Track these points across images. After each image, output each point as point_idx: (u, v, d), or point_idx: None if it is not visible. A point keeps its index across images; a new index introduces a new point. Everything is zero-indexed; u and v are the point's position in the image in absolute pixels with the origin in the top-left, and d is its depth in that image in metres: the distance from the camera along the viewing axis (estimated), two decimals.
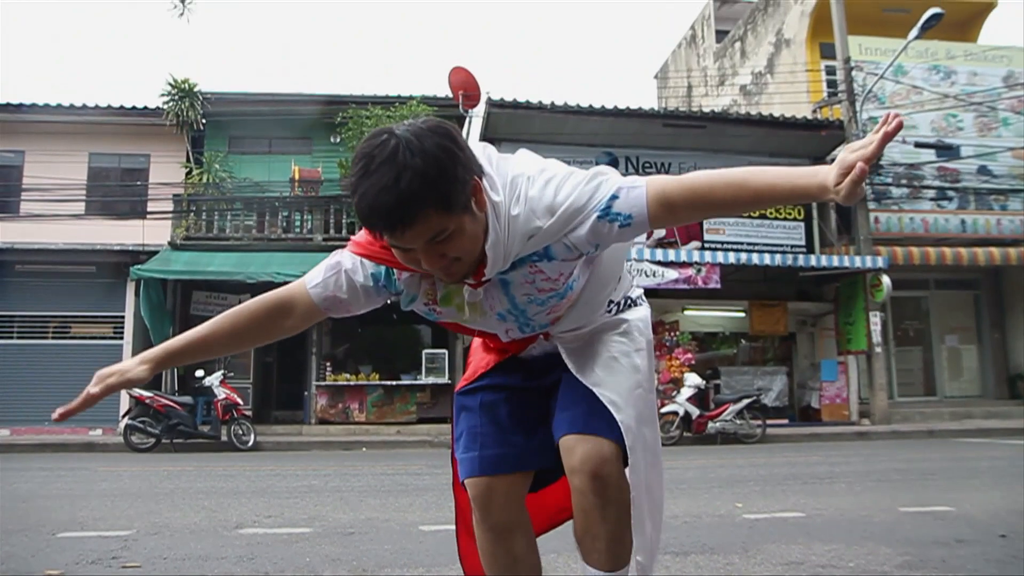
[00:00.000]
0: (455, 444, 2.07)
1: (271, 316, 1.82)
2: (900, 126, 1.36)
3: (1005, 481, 6.90)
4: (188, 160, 16.62)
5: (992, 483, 6.80)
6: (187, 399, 13.04)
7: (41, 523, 5.05)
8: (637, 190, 1.60)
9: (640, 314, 2.05)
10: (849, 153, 1.42)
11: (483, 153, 1.67)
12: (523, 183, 1.64)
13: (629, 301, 2.05)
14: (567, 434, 1.82)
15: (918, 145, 17.13)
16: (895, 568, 3.48)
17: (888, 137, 1.37)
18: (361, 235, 1.75)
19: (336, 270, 1.77)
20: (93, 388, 1.81)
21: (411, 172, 1.41)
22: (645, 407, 1.88)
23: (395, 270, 1.72)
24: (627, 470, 1.80)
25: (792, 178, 1.53)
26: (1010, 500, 5.56)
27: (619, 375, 1.87)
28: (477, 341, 2.13)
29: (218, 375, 13.09)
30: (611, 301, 1.99)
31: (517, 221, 1.60)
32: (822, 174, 1.46)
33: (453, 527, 2.11)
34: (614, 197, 1.60)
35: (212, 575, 3.51)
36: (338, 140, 16.64)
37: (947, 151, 17.48)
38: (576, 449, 1.77)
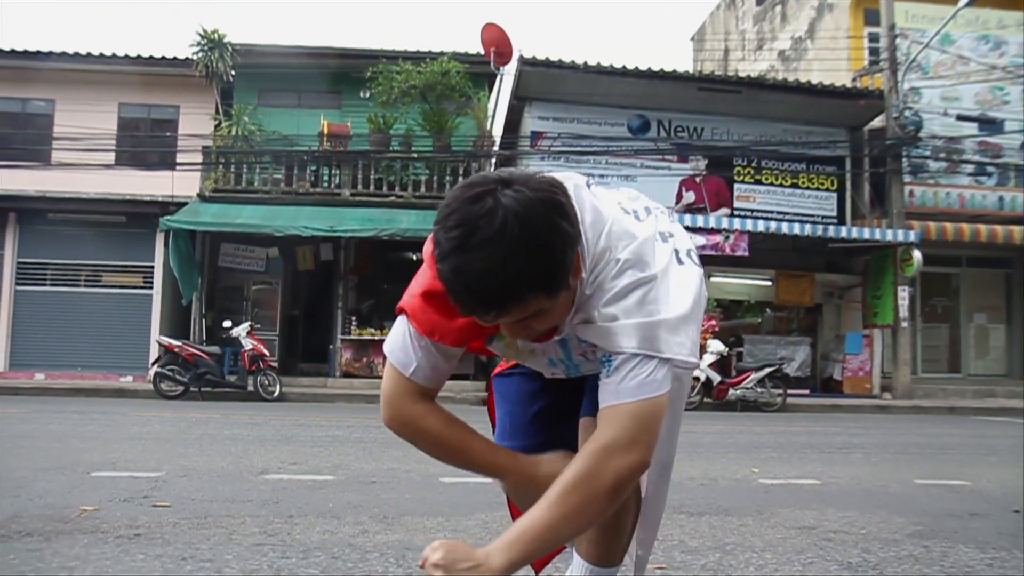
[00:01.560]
0: (494, 428, 2.04)
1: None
2: None
3: (1023, 459, 6.90)
4: (217, 112, 16.68)
5: (1010, 460, 6.80)
6: (215, 349, 13.27)
7: (76, 462, 5.22)
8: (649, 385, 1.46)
9: None
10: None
11: (573, 193, 1.44)
12: (607, 264, 1.48)
13: None
14: (588, 415, 1.76)
15: (960, 118, 16.80)
16: (907, 537, 3.53)
17: None
18: (418, 307, 1.57)
19: (420, 357, 1.61)
20: None
21: (520, 257, 1.25)
22: (671, 420, 1.74)
23: None
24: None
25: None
26: None
27: None
28: None
29: (245, 326, 13.30)
30: None
31: (586, 304, 1.49)
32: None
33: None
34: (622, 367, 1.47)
35: (238, 516, 3.63)
36: (368, 95, 16.61)
37: (990, 125, 17.12)
38: (589, 432, 1.66)
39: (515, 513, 2.09)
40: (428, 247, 1.44)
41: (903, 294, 15.40)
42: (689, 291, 1.53)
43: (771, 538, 3.44)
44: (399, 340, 1.60)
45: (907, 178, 16.36)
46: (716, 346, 13.25)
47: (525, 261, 1.25)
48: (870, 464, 6.23)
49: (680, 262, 1.57)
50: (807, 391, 15.34)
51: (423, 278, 1.56)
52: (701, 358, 12.93)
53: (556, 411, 1.94)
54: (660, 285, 1.48)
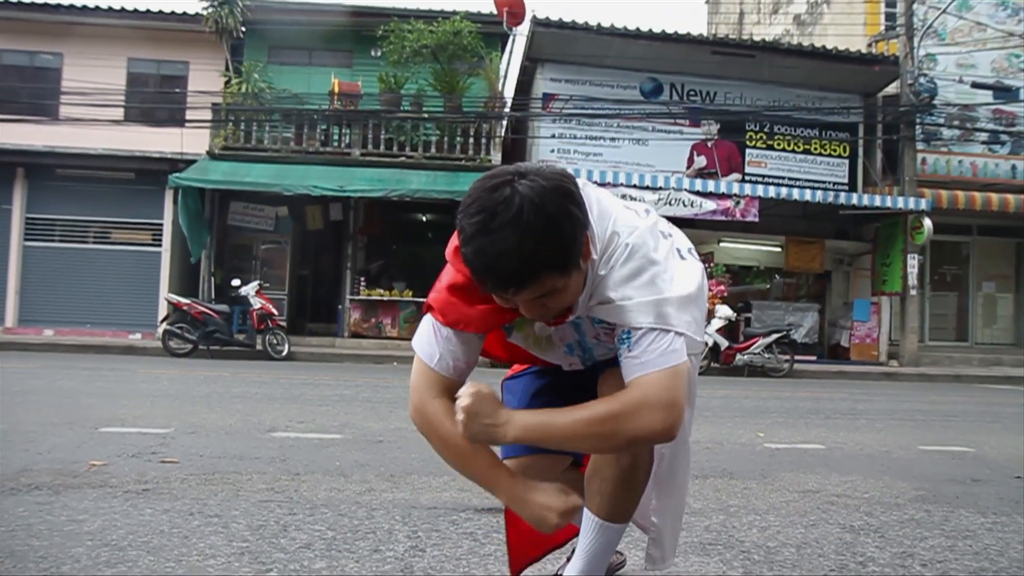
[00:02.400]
0: None
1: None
2: None
3: None
4: (227, 69, 16.55)
5: (1013, 428, 6.81)
6: (223, 307, 13.32)
7: (84, 418, 5.27)
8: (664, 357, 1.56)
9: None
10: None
11: (582, 188, 1.60)
12: (616, 248, 1.61)
13: None
14: (611, 369, 1.78)
15: (975, 85, 16.56)
16: (909, 501, 3.55)
17: None
18: (442, 296, 1.68)
19: (439, 341, 1.71)
20: None
21: (535, 239, 1.40)
22: (689, 392, 1.85)
23: None
24: None
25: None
26: None
27: None
28: None
29: (254, 285, 13.33)
30: None
31: (601, 284, 1.61)
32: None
33: None
34: (637, 343, 1.57)
35: (246, 473, 3.67)
36: (379, 54, 16.47)
37: (1005, 93, 16.89)
38: (613, 382, 1.72)
39: (509, 516, 2.11)
40: (451, 245, 1.63)
41: (912, 262, 15.34)
42: (693, 278, 1.67)
43: (775, 501, 3.46)
44: (425, 334, 1.73)
45: (920, 146, 16.20)
46: (724, 311, 13.25)
47: (539, 242, 1.40)
48: (875, 430, 6.24)
49: (682, 257, 1.72)
50: (814, 357, 15.35)
51: (447, 275, 1.70)
52: (709, 323, 12.92)
53: (561, 401, 1.95)
54: (666, 270, 1.62)
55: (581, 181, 1.61)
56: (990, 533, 3.01)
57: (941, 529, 3.05)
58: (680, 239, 1.78)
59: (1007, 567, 2.56)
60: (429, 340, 1.72)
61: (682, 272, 1.66)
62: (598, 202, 1.65)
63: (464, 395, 1.58)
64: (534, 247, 1.40)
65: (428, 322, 1.73)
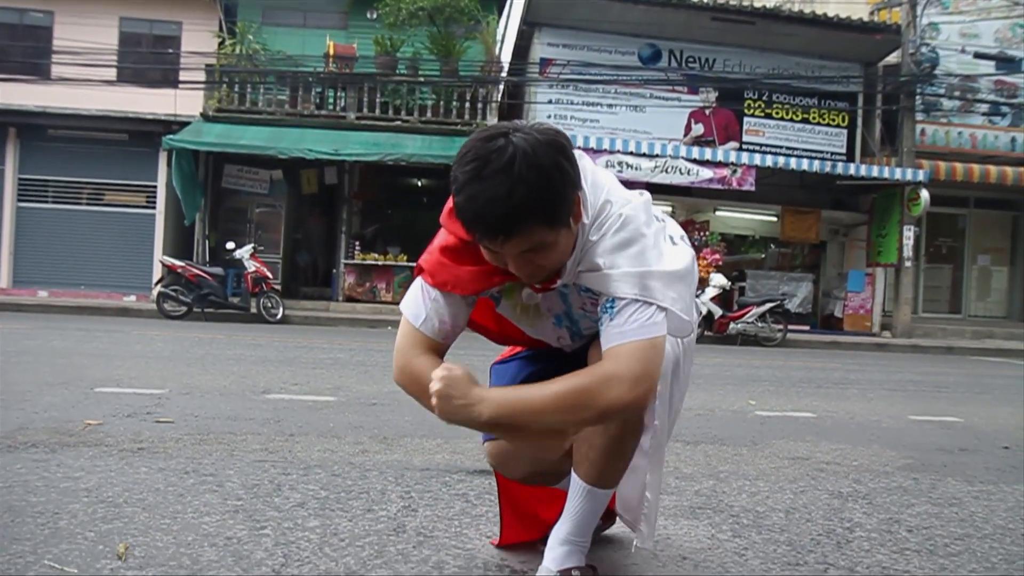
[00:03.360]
0: None
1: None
2: None
3: (1016, 398, 6.96)
4: (221, 30, 16.38)
5: (1003, 399, 6.87)
6: (218, 270, 13.30)
7: (79, 378, 5.28)
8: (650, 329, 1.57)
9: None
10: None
11: (579, 158, 1.63)
12: (609, 216, 1.62)
13: None
14: (592, 344, 1.79)
15: (977, 56, 16.47)
16: (897, 469, 3.59)
17: None
18: (433, 259, 1.71)
19: (430, 310, 1.73)
20: None
21: (525, 187, 1.42)
22: (680, 356, 1.86)
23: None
24: None
25: None
26: (1018, 416, 5.64)
27: None
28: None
29: (248, 248, 13.31)
30: None
31: (590, 250, 1.61)
32: None
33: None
34: (616, 309, 1.59)
35: (240, 433, 3.69)
36: (375, 16, 16.31)
37: (1008, 64, 16.79)
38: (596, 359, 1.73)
39: (500, 479, 2.13)
40: (446, 209, 1.65)
41: (908, 233, 15.36)
42: (682, 259, 1.68)
43: (764, 467, 3.50)
44: (413, 296, 1.76)
45: (919, 116, 16.15)
46: (719, 280, 13.28)
47: (529, 191, 1.42)
48: (865, 400, 6.29)
49: (674, 243, 1.74)
50: (807, 327, 15.43)
51: (439, 237, 1.72)
52: (703, 291, 12.96)
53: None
54: (655, 246, 1.64)
55: (577, 152, 1.61)
56: (976, 501, 3.05)
57: (928, 497, 3.09)
58: (672, 227, 1.80)
59: (991, 534, 2.60)
60: (416, 301, 1.74)
61: (671, 251, 1.68)
62: (593, 172, 1.66)
63: (436, 378, 1.57)
64: (524, 196, 1.42)
65: (417, 284, 1.76)
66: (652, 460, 1.88)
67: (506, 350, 2.13)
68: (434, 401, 1.57)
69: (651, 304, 1.57)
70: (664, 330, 1.58)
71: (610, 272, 1.59)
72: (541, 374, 1.97)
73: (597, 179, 1.66)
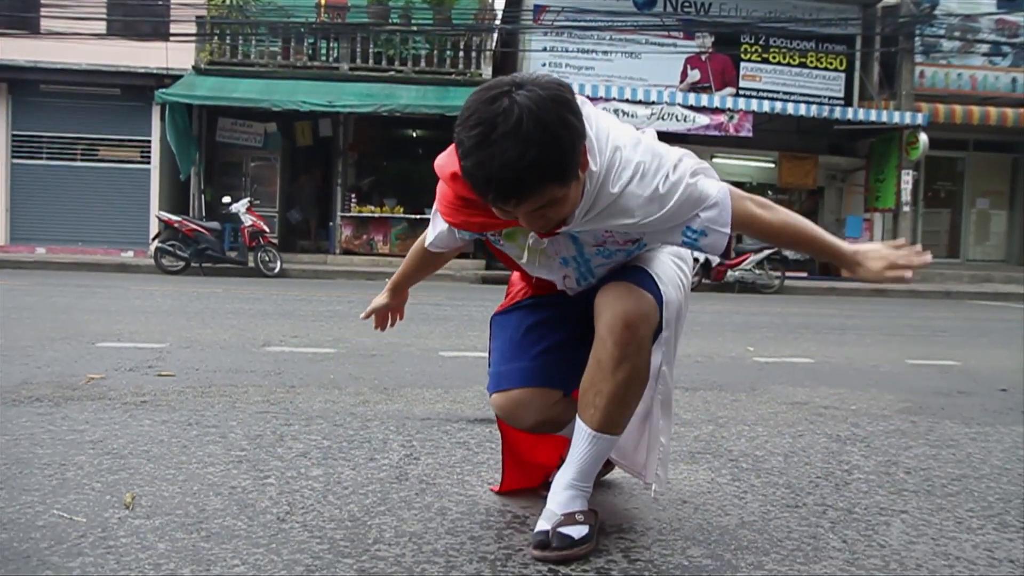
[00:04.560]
0: (491, 365, 2.08)
1: (433, 260, 2.14)
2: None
3: (1014, 341, 7.01)
4: None
5: (1000, 342, 6.92)
6: (214, 225, 13.26)
7: (81, 333, 5.30)
8: (722, 236, 1.70)
9: None
10: (892, 250, 1.76)
11: (582, 105, 1.62)
12: (621, 162, 1.62)
13: None
14: (608, 282, 1.80)
15: None
16: (895, 412, 3.62)
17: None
18: (447, 198, 1.76)
19: (441, 229, 1.89)
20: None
21: (535, 150, 1.39)
22: (682, 306, 1.90)
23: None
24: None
25: (834, 242, 1.82)
26: (1015, 358, 5.68)
27: (665, 267, 1.87)
28: (516, 275, 2.12)
29: (244, 202, 13.25)
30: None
31: (612, 202, 1.61)
32: (860, 256, 1.78)
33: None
34: (703, 234, 1.69)
35: (241, 386, 3.71)
36: None
37: (1010, 2, 16.55)
38: (614, 294, 1.76)
39: (502, 428, 2.16)
40: (445, 170, 1.68)
41: (907, 178, 15.30)
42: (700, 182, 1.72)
43: (763, 412, 3.53)
44: (431, 228, 1.95)
45: (918, 58, 15.98)
46: None
47: (539, 152, 1.40)
48: (863, 345, 6.33)
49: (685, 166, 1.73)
50: (805, 274, 15.45)
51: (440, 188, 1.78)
52: None
53: (556, 337, 1.98)
54: (676, 166, 1.67)
55: (579, 98, 1.59)
56: (973, 442, 3.08)
57: (926, 439, 3.12)
58: (686, 157, 1.80)
59: (988, 474, 2.63)
60: (432, 233, 1.95)
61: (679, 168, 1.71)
62: (596, 119, 1.64)
63: None
64: (535, 157, 1.40)
65: (435, 220, 1.91)
66: (664, 406, 1.91)
67: (505, 300, 2.13)
68: None
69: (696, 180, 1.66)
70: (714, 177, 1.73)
71: (652, 216, 1.63)
72: (544, 324, 1.98)
73: (600, 124, 1.64)
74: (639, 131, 1.74)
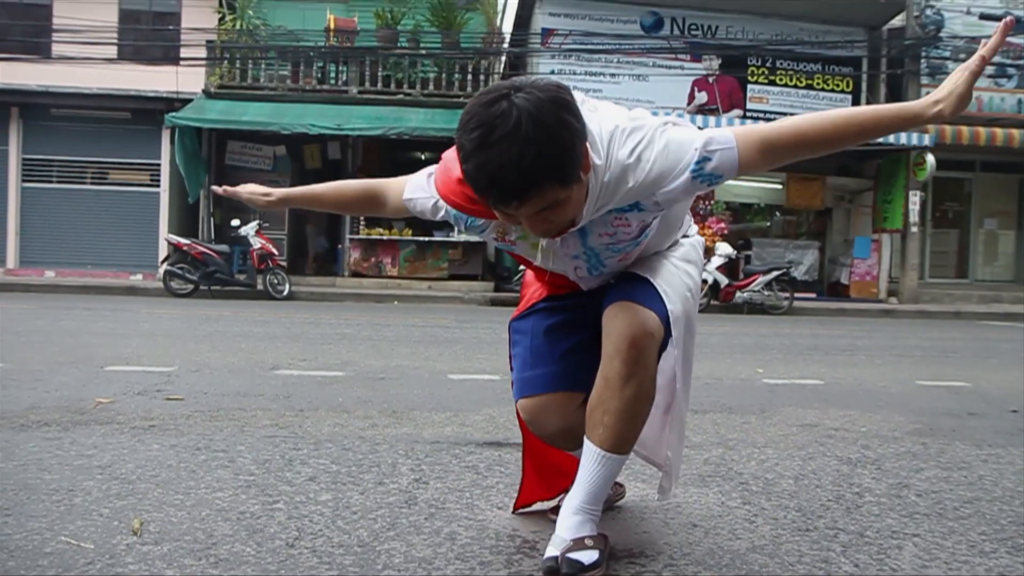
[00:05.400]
0: (513, 371, 2.08)
1: (368, 199, 2.10)
2: (1012, 24, 1.53)
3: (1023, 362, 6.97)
4: (221, 5, 16.27)
5: (1010, 363, 6.87)
6: (223, 247, 13.31)
7: (89, 357, 5.31)
8: (729, 151, 1.61)
9: (694, 240, 2.09)
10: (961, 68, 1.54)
11: (584, 106, 1.64)
12: (616, 142, 1.62)
13: (685, 235, 2.09)
14: (614, 302, 1.82)
15: (983, 17, 16.25)
16: (906, 434, 3.60)
17: (1007, 31, 1.53)
18: (448, 179, 1.74)
19: (427, 196, 1.86)
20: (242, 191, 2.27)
21: (535, 150, 1.40)
22: (691, 314, 1.92)
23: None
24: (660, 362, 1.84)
25: (894, 106, 1.62)
26: None
27: (672, 276, 1.89)
28: (530, 274, 2.13)
29: (253, 225, 13.30)
30: (675, 241, 2.03)
31: (609, 183, 1.61)
32: (922, 99, 1.58)
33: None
34: (707, 159, 1.61)
35: (250, 410, 3.71)
36: None
37: (1014, 24, 16.57)
38: (620, 314, 1.77)
39: (529, 454, 2.18)
40: (447, 177, 1.72)
41: (914, 198, 15.28)
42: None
43: (773, 435, 3.51)
44: (416, 180, 1.92)
45: (924, 80, 15.96)
46: (724, 249, 13.25)
47: (539, 153, 1.40)
48: (873, 366, 6.30)
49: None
50: (814, 295, 15.41)
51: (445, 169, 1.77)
52: (709, 260, 12.93)
53: (574, 339, 1.99)
54: (660, 127, 1.65)
55: (580, 96, 1.62)
56: (985, 464, 3.06)
57: (937, 461, 3.10)
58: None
59: (1001, 496, 2.61)
60: (415, 186, 1.91)
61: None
62: (594, 117, 1.64)
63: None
64: (534, 158, 1.40)
65: (426, 180, 1.88)
66: (674, 417, 1.95)
67: (521, 304, 2.13)
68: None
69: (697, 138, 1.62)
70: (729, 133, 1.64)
71: (650, 174, 1.60)
72: (561, 326, 2.00)
73: (603, 115, 1.66)
74: (627, 109, 1.75)
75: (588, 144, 1.56)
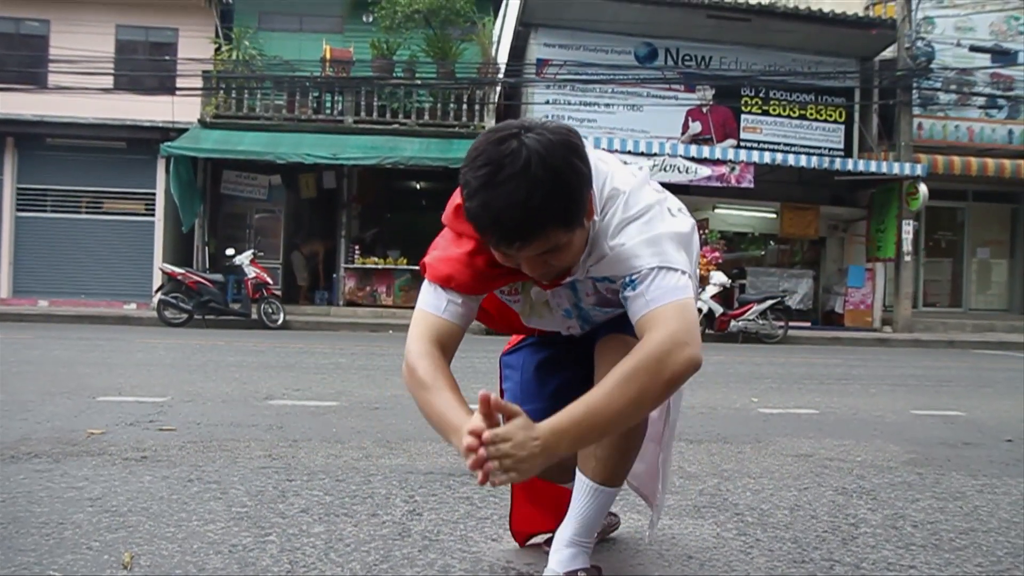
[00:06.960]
0: None
1: (449, 354, 1.72)
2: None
3: (1018, 391, 6.96)
4: (217, 36, 16.39)
5: (1005, 392, 6.87)
6: (218, 277, 13.30)
7: (82, 387, 5.28)
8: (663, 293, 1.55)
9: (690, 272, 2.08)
10: (487, 446, 1.42)
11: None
12: (614, 204, 1.61)
13: None
14: (607, 334, 1.81)
15: (973, 49, 16.46)
16: (901, 464, 3.59)
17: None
18: (441, 260, 1.66)
19: (437, 297, 1.69)
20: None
21: (542, 192, 1.38)
22: None
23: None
24: None
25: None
26: (1020, 409, 5.63)
27: None
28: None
29: (248, 254, 13.32)
30: None
31: (599, 235, 1.61)
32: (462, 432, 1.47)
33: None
34: (645, 280, 1.56)
35: (243, 440, 3.69)
36: (371, 20, 16.33)
37: (1004, 56, 16.77)
38: (613, 346, 1.76)
39: (518, 491, 2.16)
40: (450, 208, 1.65)
41: (907, 228, 15.36)
42: (685, 225, 1.67)
43: (768, 465, 3.50)
44: (426, 291, 1.69)
45: (916, 110, 16.13)
46: (719, 278, 13.28)
47: (546, 195, 1.39)
48: (868, 395, 6.29)
49: (673, 215, 1.67)
50: (808, 324, 15.43)
51: (445, 240, 1.71)
52: (704, 289, 12.95)
53: (564, 375, 2.00)
54: (660, 213, 1.63)
55: (594, 155, 1.60)
56: (980, 495, 3.05)
57: (932, 491, 3.09)
58: (671, 200, 1.75)
59: (996, 527, 2.60)
60: (432, 292, 1.68)
61: (674, 219, 1.65)
62: (598, 167, 1.63)
63: (488, 440, 1.41)
64: (541, 200, 1.38)
65: (427, 285, 1.69)
66: (666, 452, 1.95)
67: (512, 339, 2.13)
68: (502, 475, 1.42)
69: (674, 270, 1.55)
70: (692, 292, 1.56)
71: (621, 251, 1.57)
72: (551, 361, 2.00)
73: (599, 168, 1.63)
74: (639, 170, 1.73)
75: (592, 192, 1.55)
